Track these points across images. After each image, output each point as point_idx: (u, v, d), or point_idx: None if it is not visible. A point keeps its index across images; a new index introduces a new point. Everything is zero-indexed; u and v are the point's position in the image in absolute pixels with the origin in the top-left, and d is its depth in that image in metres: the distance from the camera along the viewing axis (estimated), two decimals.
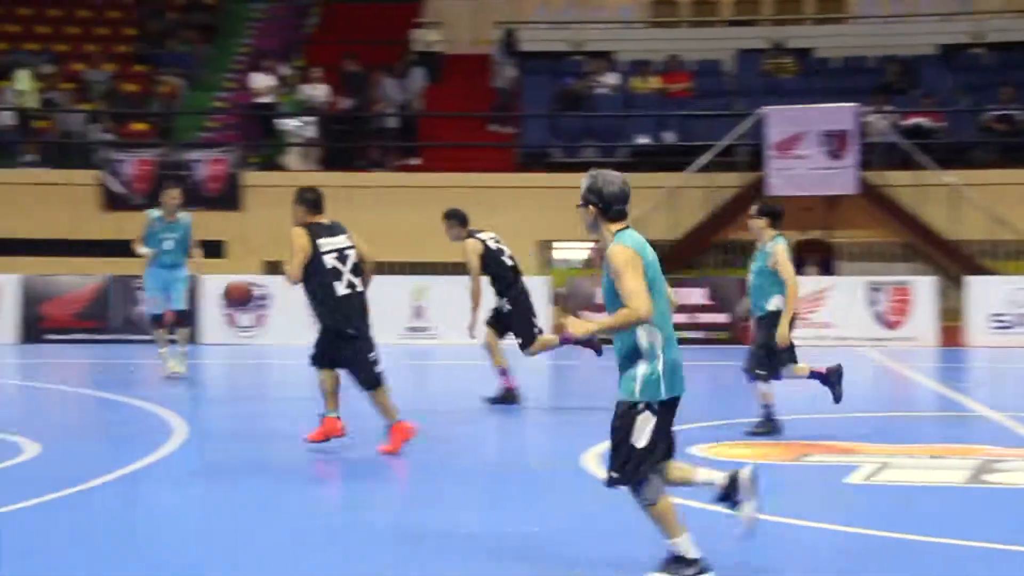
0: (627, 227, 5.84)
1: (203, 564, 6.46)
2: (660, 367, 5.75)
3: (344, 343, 9.11)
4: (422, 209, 17.51)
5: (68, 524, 7.25)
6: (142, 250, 13.17)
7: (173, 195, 13.36)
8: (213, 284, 17.57)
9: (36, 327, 17.06)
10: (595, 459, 8.64)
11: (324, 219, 9.21)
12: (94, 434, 10.78)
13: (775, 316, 9.73)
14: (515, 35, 23.91)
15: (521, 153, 21.96)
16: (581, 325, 5.79)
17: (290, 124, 21.64)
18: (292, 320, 14.92)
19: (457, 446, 9.84)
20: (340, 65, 22.54)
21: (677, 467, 5.98)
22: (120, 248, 20.17)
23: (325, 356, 9.23)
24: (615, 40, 24.85)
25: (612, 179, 5.85)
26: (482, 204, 15.62)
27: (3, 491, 8.03)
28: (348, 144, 21.73)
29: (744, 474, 5.97)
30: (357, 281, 9.14)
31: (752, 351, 9.94)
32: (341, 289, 9.03)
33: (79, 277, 17.77)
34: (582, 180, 5.92)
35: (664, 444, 5.85)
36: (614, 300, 5.75)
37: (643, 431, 5.75)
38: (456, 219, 11.52)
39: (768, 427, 9.84)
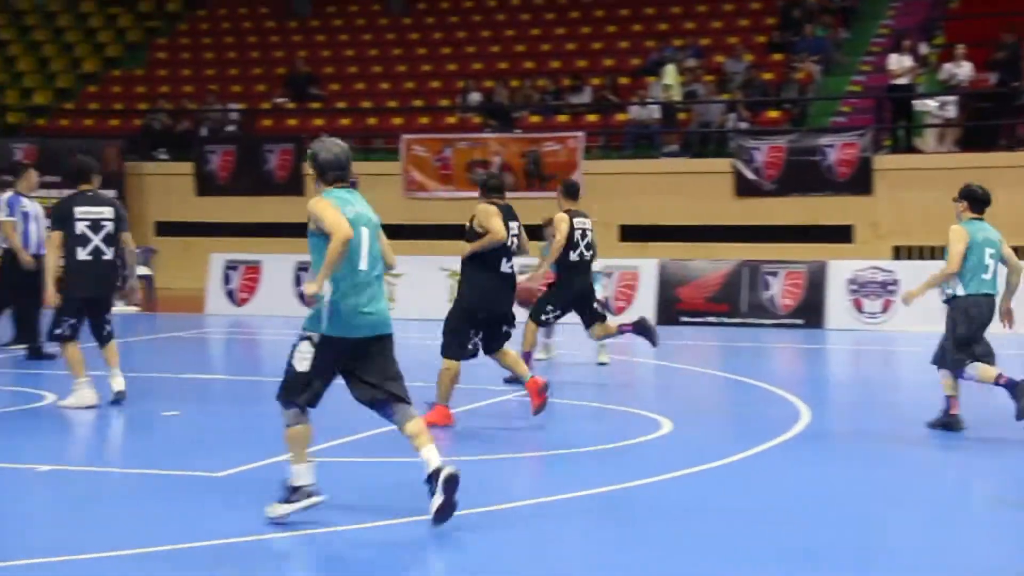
0: (345, 187, 6.87)
1: (829, 546, 6.58)
2: (326, 309, 6.67)
3: None
4: None
5: (695, 498, 7.67)
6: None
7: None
8: (840, 270, 17.58)
9: (672, 309, 18.00)
10: None
11: None
12: (724, 414, 11.24)
13: None
14: None
15: None
16: (310, 285, 6.60)
17: (929, 104, 21.08)
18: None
19: None
20: (987, 40, 21.55)
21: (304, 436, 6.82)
22: (750, 233, 20.87)
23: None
24: None
25: (329, 147, 6.99)
26: None
27: (642, 463, 8.65)
28: (991, 123, 20.76)
29: (445, 471, 6.63)
30: None
31: None
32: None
33: (711, 262, 18.51)
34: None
35: (321, 380, 6.74)
36: (321, 251, 6.64)
37: (302, 358, 6.75)
38: None
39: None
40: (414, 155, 22.35)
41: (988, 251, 9.61)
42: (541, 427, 10.26)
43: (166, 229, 23.61)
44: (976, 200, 9.71)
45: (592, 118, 23.40)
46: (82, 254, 10.43)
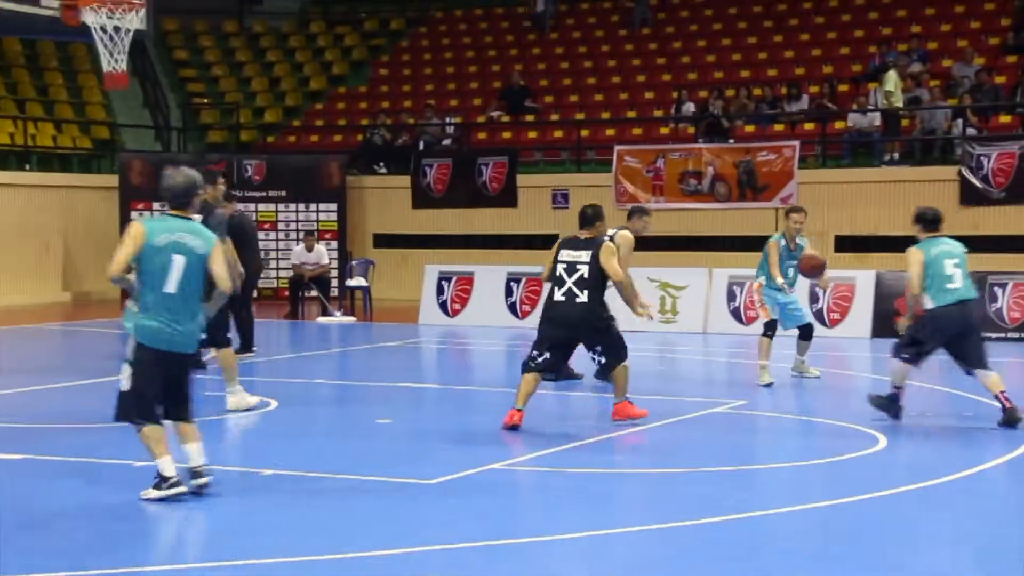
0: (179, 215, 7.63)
1: None
2: (132, 328, 7.58)
3: None
4: None
5: (908, 517, 7.40)
6: (778, 280, 12.76)
7: (797, 219, 12.83)
8: None
9: (889, 322, 17.41)
10: None
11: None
12: (944, 430, 10.83)
13: None
14: None
15: None
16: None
17: None
18: None
19: None
20: None
21: (154, 436, 7.62)
22: (977, 243, 20.02)
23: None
24: None
25: (173, 175, 7.67)
26: None
27: (858, 479, 8.41)
28: None
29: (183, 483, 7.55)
30: None
31: None
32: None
33: None
34: None
35: (152, 391, 7.59)
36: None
37: (124, 379, 7.65)
38: None
39: None
40: (626, 166, 22.33)
41: (949, 262, 10.29)
42: (752, 439, 10.09)
43: (384, 241, 24.24)
44: (927, 221, 10.53)
45: (809, 126, 22.93)
46: None
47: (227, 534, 7.15)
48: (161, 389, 7.70)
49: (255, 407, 10.94)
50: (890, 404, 10.52)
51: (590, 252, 10.20)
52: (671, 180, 21.92)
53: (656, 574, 6.45)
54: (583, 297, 10.11)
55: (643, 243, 21.07)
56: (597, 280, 10.14)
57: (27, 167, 23.79)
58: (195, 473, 7.76)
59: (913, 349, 10.36)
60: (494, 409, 11.52)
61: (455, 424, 10.80)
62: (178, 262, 7.54)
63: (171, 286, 7.55)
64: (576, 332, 10.19)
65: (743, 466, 9.13)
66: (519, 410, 10.07)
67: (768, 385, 12.44)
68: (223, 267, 7.76)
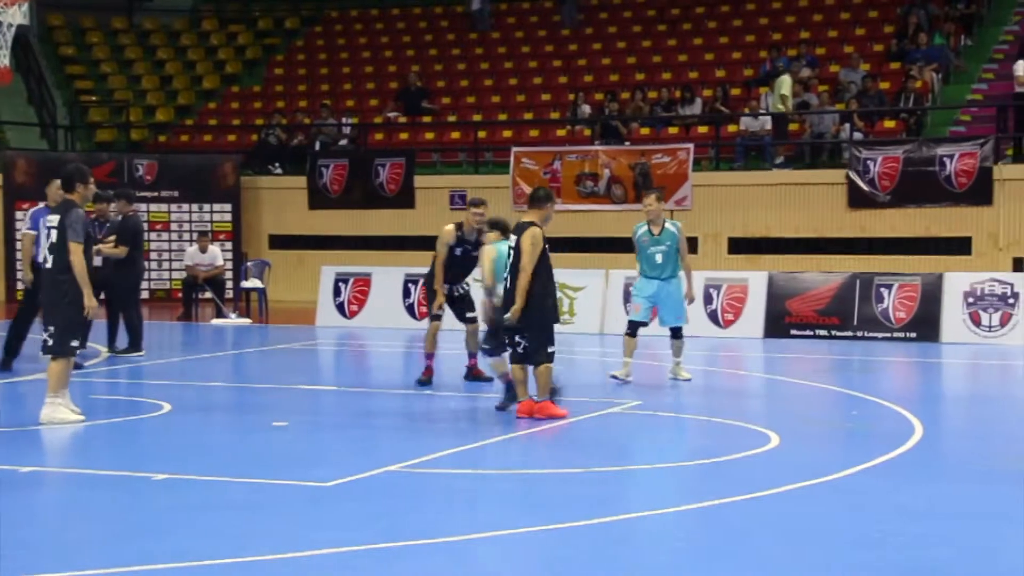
0: None
1: (939, 569, 6.45)
2: None
3: None
4: None
5: (799, 515, 7.58)
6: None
7: (649, 202, 12.88)
8: (957, 282, 17.21)
9: (782, 322, 17.79)
10: None
11: None
12: (834, 428, 11.08)
13: None
14: None
15: None
16: None
17: None
18: None
19: None
20: None
21: None
22: (864, 246, 20.55)
23: None
24: None
25: None
26: None
27: (748, 478, 8.57)
28: None
29: None
30: None
31: None
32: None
33: (822, 274, 18.26)
34: None
35: None
36: None
37: None
38: None
39: None
40: (523, 168, 22.44)
41: None
42: (647, 439, 10.23)
43: (279, 242, 24.04)
44: None
45: (703, 130, 23.26)
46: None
47: (122, 537, 7.05)
48: None
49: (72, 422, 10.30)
50: None
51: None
52: (568, 182, 22.07)
53: (545, 575, 6.52)
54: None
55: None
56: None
57: None
58: None
59: None
60: (391, 412, 11.52)
61: (352, 426, 10.77)
62: None
63: None
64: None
65: (634, 465, 9.25)
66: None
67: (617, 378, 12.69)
68: None
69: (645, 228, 12.87)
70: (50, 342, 10.24)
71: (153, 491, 8.13)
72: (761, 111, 22.44)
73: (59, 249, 10.25)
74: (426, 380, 12.54)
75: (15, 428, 10.55)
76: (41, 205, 13.63)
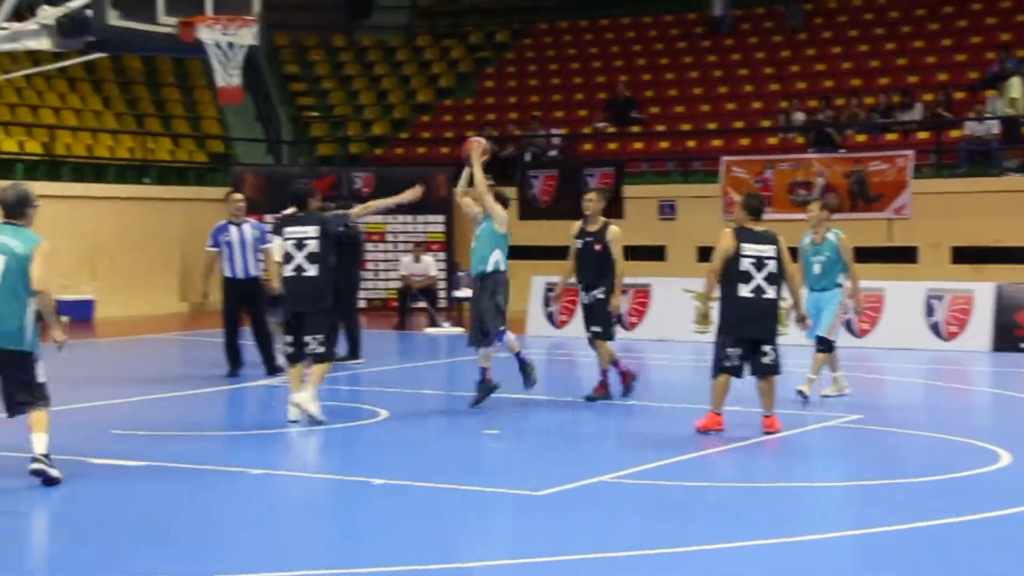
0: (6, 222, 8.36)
1: None
2: None
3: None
4: None
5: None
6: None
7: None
8: None
9: (1011, 336, 17.01)
10: None
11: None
12: None
13: None
14: None
15: None
16: None
17: None
18: None
19: None
20: None
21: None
22: None
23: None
24: None
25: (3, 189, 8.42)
26: None
27: (978, 497, 8.19)
28: None
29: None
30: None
31: None
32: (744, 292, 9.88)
33: None
34: None
35: None
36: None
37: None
38: None
39: None
40: (734, 177, 22.11)
41: None
42: (869, 453, 9.91)
43: None
44: None
45: (923, 135, 22.48)
46: (287, 270, 10.87)
47: (342, 540, 7.21)
48: None
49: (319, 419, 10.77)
50: None
51: (774, 247, 10.18)
52: (780, 191, 21.64)
53: None
54: (771, 293, 10.11)
55: None
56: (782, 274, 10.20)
57: (145, 180, 24.33)
58: (33, 459, 8.25)
59: None
60: (602, 421, 11.48)
61: (563, 436, 10.77)
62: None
63: None
64: (761, 329, 10.13)
65: (856, 481, 8.95)
66: (718, 414, 10.15)
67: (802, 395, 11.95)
68: (41, 268, 8.26)
69: (810, 238, 12.41)
70: (320, 349, 10.73)
71: (371, 496, 8.28)
72: (988, 114, 21.54)
73: (323, 258, 10.79)
74: (596, 396, 12.26)
75: (247, 432, 10.96)
76: (222, 222, 14.20)
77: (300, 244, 10.80)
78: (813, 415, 11.35)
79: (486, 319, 11.57)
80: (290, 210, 11.05)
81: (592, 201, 12.59)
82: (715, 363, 10.24)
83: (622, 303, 12.07)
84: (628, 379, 12.32)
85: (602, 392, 12.23)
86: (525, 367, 12.02)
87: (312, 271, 10.75)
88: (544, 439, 10.73)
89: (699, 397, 10.94)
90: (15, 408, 8.44)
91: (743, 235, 10.20)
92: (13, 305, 8.22)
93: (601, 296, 12.16)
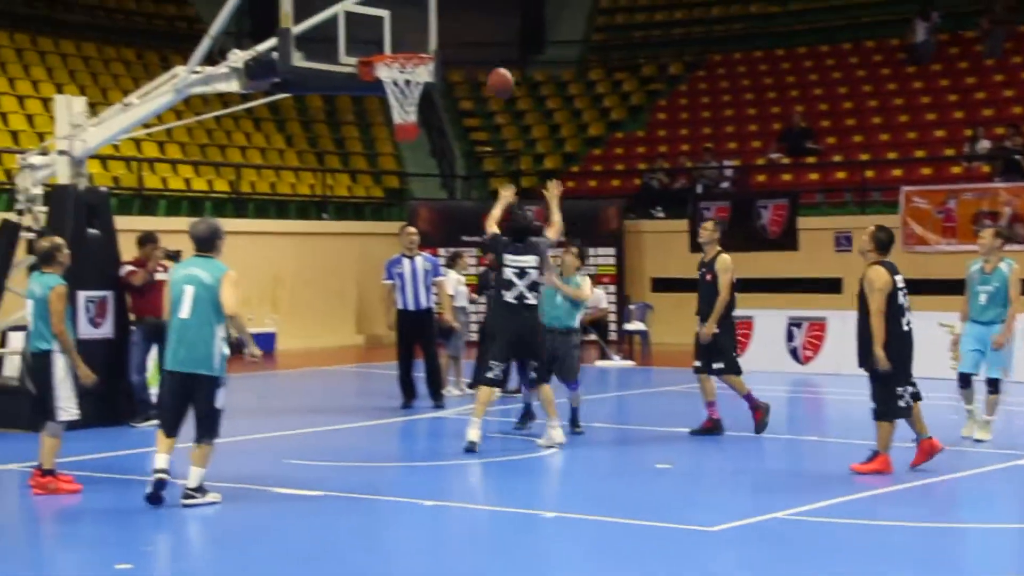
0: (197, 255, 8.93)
1: None
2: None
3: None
4: None
5: None
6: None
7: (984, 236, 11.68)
8: None
9: None
10: None
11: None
12: None
13: None
14: None
15: None
16: None
17: None
18: None
19: None
20: None
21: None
22: None
23: None
24: None
25: (195, 224, 9.03)
26: None
27: None
28: None
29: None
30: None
31: None
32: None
33: None
34: None
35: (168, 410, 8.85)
36: None
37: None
38: None
39: None
40: (914, 207, 21.56)
41: None
42: None
43: (662, 285, 24.16)
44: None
45: None
46: (508, 296, 11.15)
47: (511, 572, 7.23)
48: (180, 405, 8.77)
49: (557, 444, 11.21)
50: None
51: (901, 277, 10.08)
52: (964, 221, 21.00)
53: None
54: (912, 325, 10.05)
55: (929, 287, 20.42)
56: None
57: (324, 216, 25.00)
58: (185, 492, 8.70)
59: None
60: (776, 456, 11.29)
61: (736, 470, 10.63)
62: (188, 292, 8.68)
63: (184, 312, 8.69)
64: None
65: None
66: (886, 455, 9.95)
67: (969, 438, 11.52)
68: (230, 294, 8.66)
69: (979, 265, 11.79)
70: (534, 375, 11.45)
71: (543, 529, 8.30)
72: None
73: (540, 286, 11.35)
74: (702, 430, 12.08)
75: (420, 463, 11.12)
76: (396, 255, 14.46)
77: (522, 273, 11.15)
78: (999, 453, 10.94)
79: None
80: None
81: (706, 231, 12.59)
82: (886, 404, 9.87)
83: (713, 332, 12.02)
84: (710, 425, 12.19)
85: (710, 426, 12.14)
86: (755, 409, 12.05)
87: (532, 299, 11.20)
88: (716, 473, 10.60)
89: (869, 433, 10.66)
90: (174, 430, 8.84)
91: (892, 269, 9.96)
92: (203, 332, 8.65)
93: (716, 329, 11.96)
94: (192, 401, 8.74)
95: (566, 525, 8.35)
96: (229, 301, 8.67)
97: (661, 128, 28.36)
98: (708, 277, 12.25)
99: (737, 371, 12.13)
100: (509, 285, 11.14)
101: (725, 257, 12.28)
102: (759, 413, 12.09)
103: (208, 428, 8.73)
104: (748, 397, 12.12)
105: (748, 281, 22.90)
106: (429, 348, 14.31)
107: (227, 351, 8.76)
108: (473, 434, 10.89)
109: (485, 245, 12.35)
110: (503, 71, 12.19)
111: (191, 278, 8.73)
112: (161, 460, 8.65)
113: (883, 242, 10.07)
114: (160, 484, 8.61)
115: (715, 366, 12.07)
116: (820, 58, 28.46)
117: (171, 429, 8.76)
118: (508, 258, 11.21)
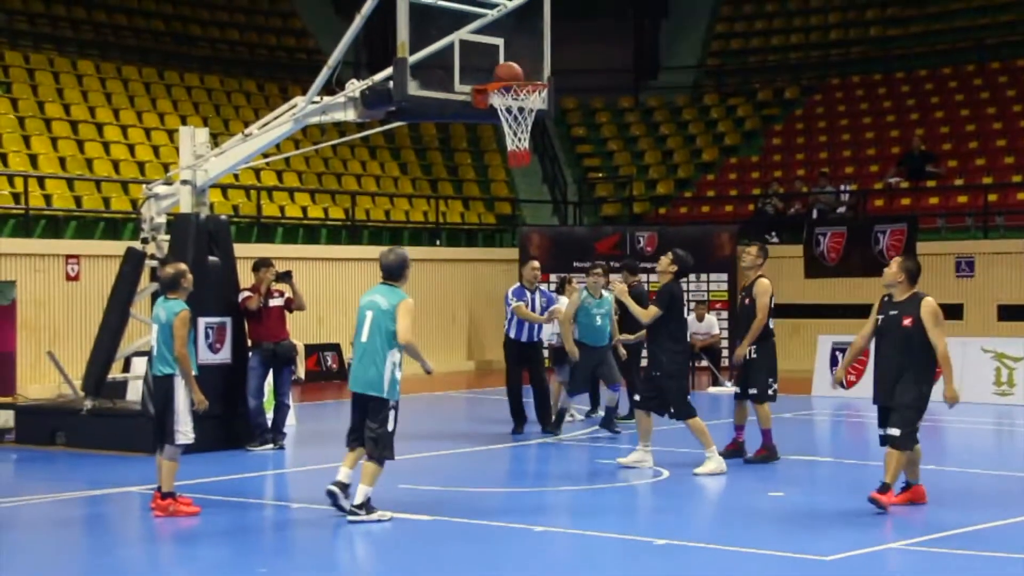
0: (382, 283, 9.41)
1: None
2: None
3: None
4: None
5: None
6: None
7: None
8: None
9: None
10: None
11: None
12: None
13: None
14: None
15: None
16: None
17: None
18: None
19: None
20: None
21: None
22: None
23: None
24: None
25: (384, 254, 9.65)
26: None
27: None
28: None
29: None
30: None
31: None
32: None
33: None
34: None
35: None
36: None
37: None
38: None
39: None
40: None
41: None
42: None
43: (776, 311, 23.73)
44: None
45: None
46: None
47: None
48: (358, 422, 9.17)
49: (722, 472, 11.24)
50: None
51: None
52: None
53: None
54: None
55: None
56: None
57: (437, 243, 25.25)
58: (351, 508, 9.04)
59: None
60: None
61: (850, 499, 10.44)
62: (368, 316, 9.12)
63: (363, 336, 9.11)
64: None
65: None
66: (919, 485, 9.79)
67: None
68: (404, 323, 9.07)
69: None
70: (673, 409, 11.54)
71: (653, 556, 8.26)
72: None
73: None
74: (728, 452, 12.00)
75: (530, 488, 11.14)
76: (517, 285, 14.54)
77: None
78: None
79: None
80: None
81: (749, 256, 12.66)
82: (911, 435, 9.67)
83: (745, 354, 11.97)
84: (734, 447, 12.19)
85: (763, 454, 12.00)
86: None
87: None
88: (829, 501, 10.43)
89: (1000, 463, 10.42)
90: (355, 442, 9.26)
91: None
92: (375, 355, 9.08)
93: (754, 355, 11.86)
94: (364, 418, 9.12)
95: (676, 552, 8.29)
96: (402, 328, 9.08)
97: (776, 153, 28.10)
98: (747, 301, 12.25)
99: (769, 399, 12.03)
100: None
101: (764, 281, 12.29)
102: (764, 452, 12.04)
103: (377, 448, 9.06)
104: (766, 433, 12.07)
105: (865, 307, 22.62)
106: (538, 375, 14.36)
107: (399, 375, 9.14)
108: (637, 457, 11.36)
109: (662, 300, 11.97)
110: (512, 64, 12.06)
111: (372, 304, 9.22)
112: (340, 473, 9.28)
113: (913, 273, 9.85)
114: (329, 494, 9.20)
115: (750, 391, 12.04)
116: (942, 80, 27.95)
117: (352, 444, 9.30)
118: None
